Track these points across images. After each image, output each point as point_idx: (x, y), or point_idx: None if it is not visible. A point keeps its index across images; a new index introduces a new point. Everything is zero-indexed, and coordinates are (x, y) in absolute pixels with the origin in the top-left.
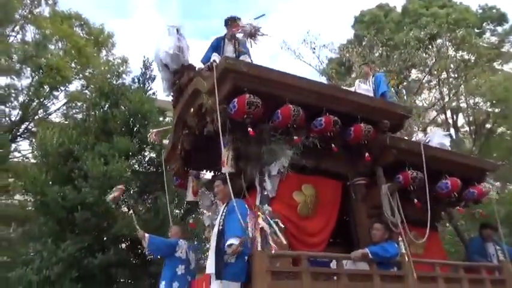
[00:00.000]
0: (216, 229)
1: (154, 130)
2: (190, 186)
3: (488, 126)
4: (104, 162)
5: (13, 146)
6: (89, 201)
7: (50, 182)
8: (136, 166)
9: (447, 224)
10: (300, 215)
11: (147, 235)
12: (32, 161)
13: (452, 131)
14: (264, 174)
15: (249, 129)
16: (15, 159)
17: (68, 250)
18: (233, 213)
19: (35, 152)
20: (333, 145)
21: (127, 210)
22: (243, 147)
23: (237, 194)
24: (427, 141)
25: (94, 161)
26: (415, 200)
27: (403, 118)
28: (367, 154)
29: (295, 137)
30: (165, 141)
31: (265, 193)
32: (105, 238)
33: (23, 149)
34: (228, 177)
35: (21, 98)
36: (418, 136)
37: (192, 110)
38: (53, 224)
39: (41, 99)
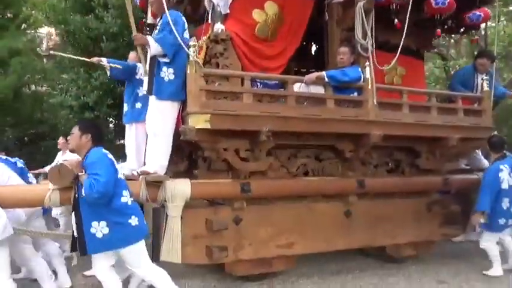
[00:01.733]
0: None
1: None
2: (149, 8)
3: None
4: None
5: None
6: (113, 31)
7: (71, 13)
8: None
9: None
10: (258, 36)
11: (103, 59)
12: None
13: None
14: None
15: None
16: None
17: (100, 79)
18: (166, 25)
19: None
20: None
21: None
22: None
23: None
24: None
25: None
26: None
27: None
28: None
29: None
30: None
31: (218, 9)
32: None
33: None
34: None
35: None
36: None
37: None
38: (82, 54)
39: None
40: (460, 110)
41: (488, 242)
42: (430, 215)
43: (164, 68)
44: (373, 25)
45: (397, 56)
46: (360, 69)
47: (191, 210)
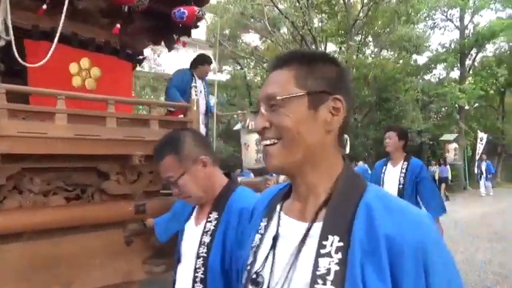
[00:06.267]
0: None
1: None
2: None
3: None
4: None
5: None
6: None
7: None
8: None
9: None
10: None
11: None
12: None
13: None
14: None
15: None
16: None
17: None
18: None
19: None
20: None
21: None
22: None
23: None
24: None
25: None
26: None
27: None
28: None
29: None
30: None
31: None
32: None
33: None
34: None
35: None
36: None
37: None
38: None
39: None
40: (153, 121)
41: None
42: (129, 250)
43: None
44: (8, 7)
45: (52, 49)
46: None
47: None
